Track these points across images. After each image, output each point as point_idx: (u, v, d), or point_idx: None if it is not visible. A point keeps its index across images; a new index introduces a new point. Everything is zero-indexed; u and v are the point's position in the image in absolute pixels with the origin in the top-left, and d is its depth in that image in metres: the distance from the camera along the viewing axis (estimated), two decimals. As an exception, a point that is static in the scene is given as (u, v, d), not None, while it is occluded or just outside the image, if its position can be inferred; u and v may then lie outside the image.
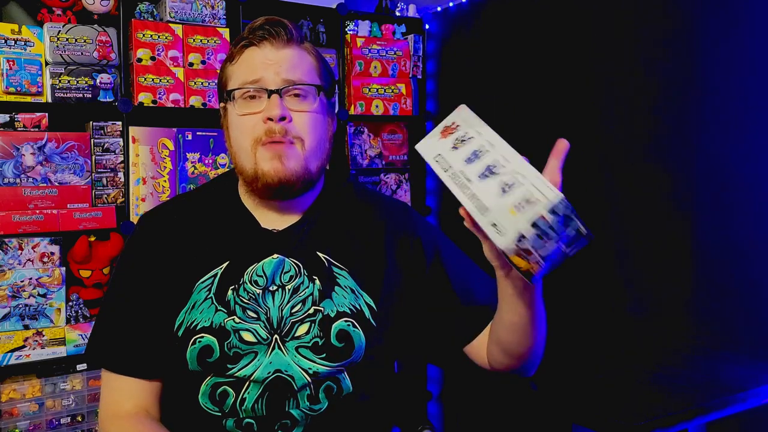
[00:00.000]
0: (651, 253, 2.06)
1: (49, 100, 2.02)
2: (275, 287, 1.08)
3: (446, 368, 2.54)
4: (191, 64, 2.21)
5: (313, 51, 1.14)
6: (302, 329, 1.07)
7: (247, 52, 1.10)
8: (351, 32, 2.65)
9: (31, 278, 1.97)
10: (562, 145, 0.90)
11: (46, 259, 2.01)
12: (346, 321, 1.08)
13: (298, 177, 1.08)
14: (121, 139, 2.12)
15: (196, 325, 1.06)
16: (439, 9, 2.82)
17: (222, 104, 1.16)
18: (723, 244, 1.88)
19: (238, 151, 1.10)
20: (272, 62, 1.08)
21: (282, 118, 1.06)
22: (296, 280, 1.09)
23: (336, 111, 1.18)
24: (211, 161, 2.27)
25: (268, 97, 1.07)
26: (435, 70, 2.85)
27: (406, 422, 2.62)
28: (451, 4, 2.76)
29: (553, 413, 1.77)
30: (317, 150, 1.10)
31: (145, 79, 2.13)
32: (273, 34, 1.09)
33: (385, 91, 2.65)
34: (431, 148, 0.95)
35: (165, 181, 2.19)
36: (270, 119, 1.06)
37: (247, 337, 1.05)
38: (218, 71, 2.23)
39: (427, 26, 2.81)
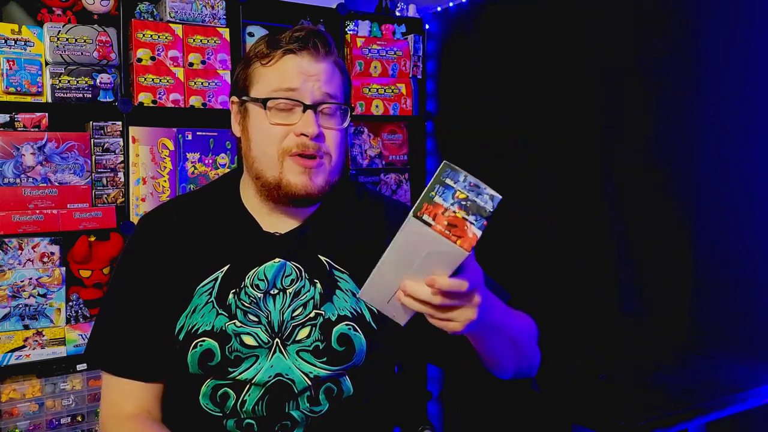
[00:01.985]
0: (651, 253, 2.06)
1: (49, 100, 2.02)
2: (276, 291, 1.08)
3: (446, 368, 2.54)
4: (191, 64, 2.21)
5: (341, 65, 1.14)
6: (303, 333, 1.07)
7: (284, 57, 1.08)
8: (351, 32, 2.65)
9: (31, 278, 1.97)
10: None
11: (46, 259, 2.01)
12: (347, 325, 1.08)
13: (321, 192, 1.09)
14: (121, 139, 2.12)
15: (198, 328, 1.06)
16: (439, 9, 2.82)
17: (236, 100, 1.14)
18: (723, 244, 1.88)
19: (260, 156, 1.09)
20: (310, 74, 1.07)
21: (317, 136, 1.06)
22: (297, 283, 1.09)
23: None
24: (211, 161, 2.27)
25: (303, 111, 1.07)
26: (435, 70, 2.85)
27: (406, 423, 2.63)
28: (451, 4, 2.76)
29: (554, 413, 1.77)
30: (339, 165, 1.12)
31: (145, 79, 2.13)
32: (315, 45, 1.08)
33: (385, 91, 2.65)
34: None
35: (165, 181, 2.19)
36: (304, 135, 1.06)
37: (248, 340, 1.05)
38: (218, 71, 2.25)
39: (427, 26, 2.81)
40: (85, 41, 2.05)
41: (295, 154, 1.06)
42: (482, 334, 0.99)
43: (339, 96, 1.11)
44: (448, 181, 0.80)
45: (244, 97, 1.11)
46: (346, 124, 1.12)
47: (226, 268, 1.09)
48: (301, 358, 1.06)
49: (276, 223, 1.13)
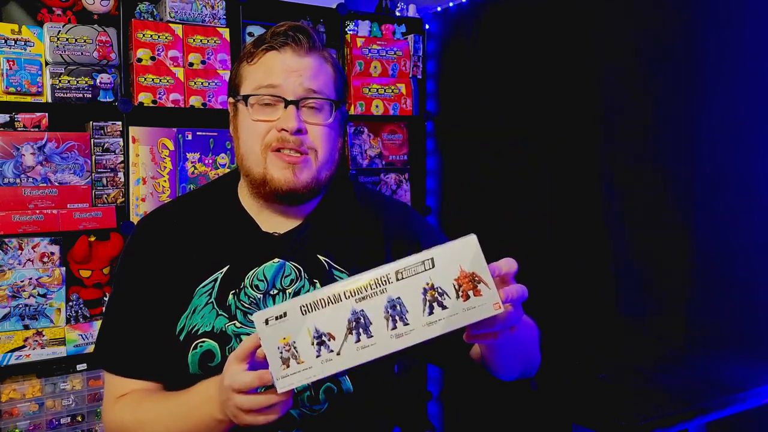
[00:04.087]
0: (650, 253, 2.06)
1: (49, 100, 2.02)
2: (276, 291, 1.08)
3: (446, 368, 2.55)
4: (191, 64, 2.21)
5: (331, 59, 1.13)
6: None
7: (267, 55, 1.09)
8: (351, 32, 2.65)
9: (31, 278, 1.97)
10: None
11: (46, 259, 2.01)
12: None
13: (307, 188, 1.08)
14: (121, 139, 2.12)
15: (198, 329, 1.06)
16: (439, 9, 2.82)
17: (231, 100, 1.15)
18: (722, 244, 1.88)
19: (246, 153, 1.09)
20: (292, 70, 1.07)
21: (298, 131, 1.06)
22: (297, 283, 1.09)
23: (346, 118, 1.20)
24: (211, 161, 2.27)
25: (285, 107, 1.07)
26: (435, 70, 2.85)
27: (406, 423, 2.62)
28: (451, 4, 2.76)
29: (553, 413, 1.77)
30: (328, 161, 1.11)
31: (145, 79, 2.13)
32: (296, 40, 1.08)
33: (385, 91, 2.65)
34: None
35: (165, 181, 2.19)
36: (285, 130, 1.06)
37: None
38: (218, 71, 2.25)
39: (427, 26, 2.81)
40: (85, 41, 2.05)
41: (276, 148, 1.06)
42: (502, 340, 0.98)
43: (326, 91, 1.09)
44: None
45: (235, 97, 1.12)
46: (332, 119, 1.10)
47: (225, 268, 1.09)
48: (301, 358, 1.06)
49: (275, 223, 1.13)
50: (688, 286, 1.96)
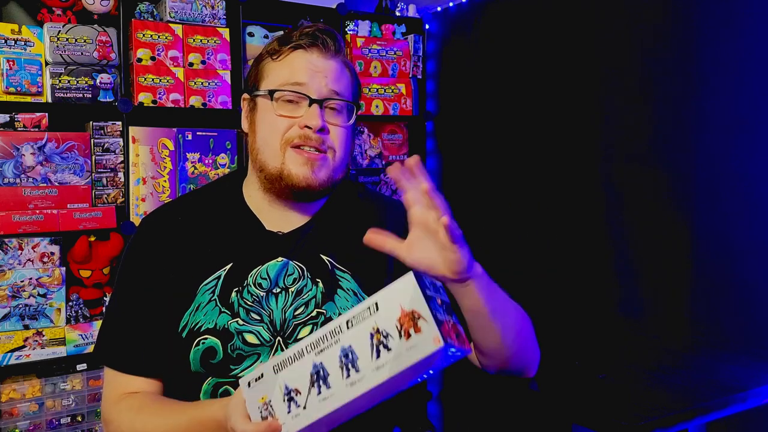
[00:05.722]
0: (650, 252, 2.06)
1: (49, 100, 2.02)
2: (279, 290, 1.09)
3: (445, 368, 2.54)
4: (191, 64, 2.21)
5: (350, 66, 1.16)
6: (305, 332, 1.07)
7: (293, 53, 1.10)
8: (351, 32, 2.65)
9: (31, 278, 1.97)
10: None
11: (46, 259, 2.01)
12: None
13: (323, 186, 1.09)
14: (121, 139, 2.12)
15: (200, 326, 1.06)
16: (439, 9, 2.82)
17: (248, 96, 1.15)
18: (722, 244, 1.88)
19: (263, 147, 1.10)
20: (318, 70, 1.09)
21: (321, 129, 1.07)
22: (299, 282, 1.09)
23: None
24: (211, 161, 2.27)
25: (309, 105, 1.08)
26: (435, 70, 2.85)
27: (406, 423, 2.62)
28: (451, 4, 2.76)
29: (553, 413, 1.77)
30: (343, 162, 1.12)
31: (145, 79, 2.13)
32: (323, 42, 1.10)
33: (385, 91, 2.65)
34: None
35: (165, 181, 2.19)
36: (308, 127, 1.07)
37: (251, 339, 1.06)
38: (218, 71, 2.25)
39: (427, 26, 2.81)
40: (85, 41, 2.05)
41: (297, 145, 1.07)
42: (478, 289, 0.95)
43: (346, 94, 1.12)
44: (427, 293, 0.76)
45: (255, 92, 1.13)
46: (351, 122, 1.13)
47: (229, 266, 1.09)
48: (303, 357, 1.06)
49: (279, 222, 1.14)
50: (688, 286, 1.96)
